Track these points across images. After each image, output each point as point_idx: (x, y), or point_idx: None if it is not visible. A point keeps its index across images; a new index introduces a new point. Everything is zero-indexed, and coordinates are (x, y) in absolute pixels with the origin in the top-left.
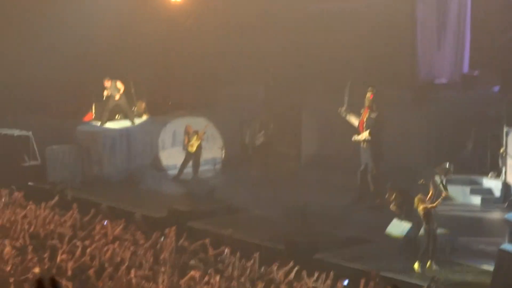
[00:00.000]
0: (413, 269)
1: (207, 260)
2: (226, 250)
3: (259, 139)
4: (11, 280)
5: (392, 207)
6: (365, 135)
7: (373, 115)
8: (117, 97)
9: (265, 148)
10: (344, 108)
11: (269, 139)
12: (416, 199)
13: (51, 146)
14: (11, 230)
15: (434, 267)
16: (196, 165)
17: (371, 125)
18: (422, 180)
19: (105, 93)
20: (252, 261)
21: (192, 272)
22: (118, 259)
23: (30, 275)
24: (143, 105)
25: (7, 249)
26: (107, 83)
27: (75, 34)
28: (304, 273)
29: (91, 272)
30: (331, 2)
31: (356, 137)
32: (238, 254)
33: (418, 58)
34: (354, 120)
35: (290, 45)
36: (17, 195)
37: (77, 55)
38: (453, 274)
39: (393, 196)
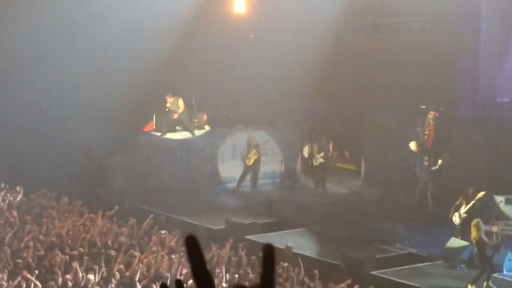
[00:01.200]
0: None
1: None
2: (286, 264)
3: (318, 160)
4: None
5: (456, 217)
6: (443, 157)
7: (443, 133)
8: (175, 116)
9: (324, 168)
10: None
11: (328, 161)
12: (472, 225)
13: (111, 155)
14: (69, 238)
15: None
16: (254, 179)
17: (444, 144)
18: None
19: (169, 107)
20: (306, 277)
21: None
22: (174, 270)
23: (83, 282)
24: (204, 116)
25: (61, 258)
26: (170, 99)
27: (138, 44)
28: None
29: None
30: (393, 16)
31: (436, 165)
32: (296, 269)
33: (480, 76)
34: (414, 145)
35: (352, 60)
36: (76, 203)
37: (139, 64)
38: None
39: (474, 200)
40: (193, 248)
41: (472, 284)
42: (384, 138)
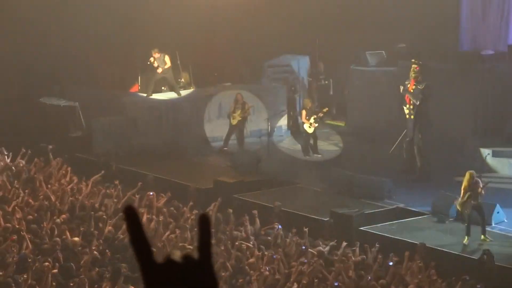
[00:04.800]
0: (461, 242)
1: (254, 233)
2: (279, 226)
3: (308, 130)
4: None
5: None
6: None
7: (421, 86)
8: (159, 70)
9: (316, 134)
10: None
11: (319, 124)
12: (467, 176)
13: (97, 117)
14: (57, 201)
15: (489, 239)
16: (240, 138)
17: (419, 96)
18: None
19: (152, 62)
20: (294, 234)
21: (238, 244)
22: (163, 231)
23: (70, 244)
24: (188, 76)
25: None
26: (156, 55)
27: (121, 3)
28: (348, 246)
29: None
30: None
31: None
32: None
33: (462, 28)
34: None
35: (337, 14)
36: (64, 166)
37: (124, 24)
38: (501, 247)
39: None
40: (132, 218)
41: (467, 235)
42: (371, 92)
